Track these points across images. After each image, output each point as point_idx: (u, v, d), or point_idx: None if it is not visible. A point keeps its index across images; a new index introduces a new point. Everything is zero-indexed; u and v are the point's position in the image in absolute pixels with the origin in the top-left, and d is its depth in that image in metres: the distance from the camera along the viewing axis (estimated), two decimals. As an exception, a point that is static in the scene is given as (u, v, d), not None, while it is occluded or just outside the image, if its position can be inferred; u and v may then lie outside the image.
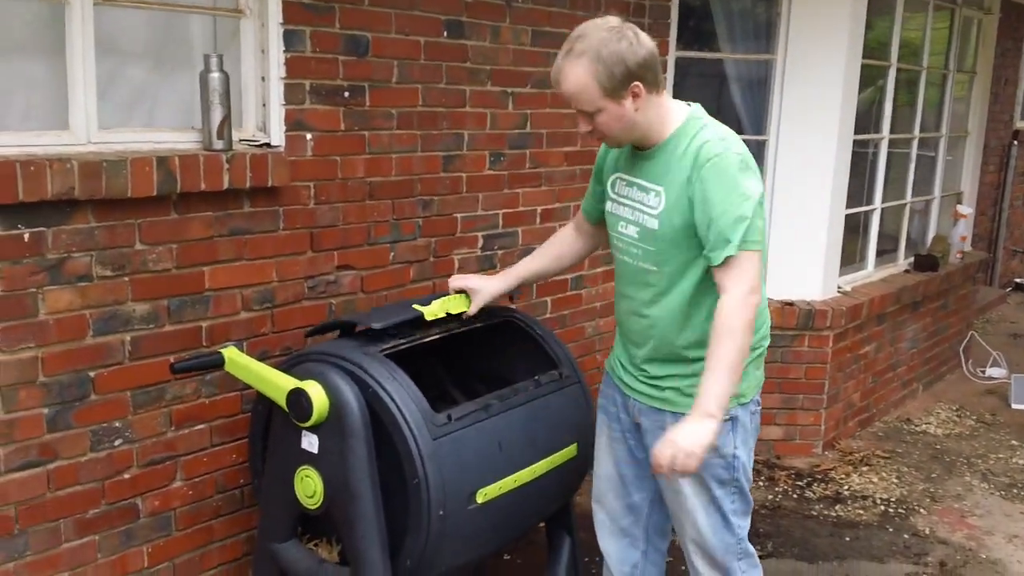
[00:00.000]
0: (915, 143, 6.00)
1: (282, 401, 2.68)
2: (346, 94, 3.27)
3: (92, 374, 2.75)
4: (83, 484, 2.77)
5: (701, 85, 5.03)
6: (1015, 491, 4.75)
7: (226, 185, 2.92)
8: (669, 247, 2.51)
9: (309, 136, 3.19)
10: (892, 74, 5.48)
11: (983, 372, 6.62)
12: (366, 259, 3.45)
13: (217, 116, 2.92)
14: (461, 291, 3.00)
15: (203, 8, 3.04)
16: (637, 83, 2.38)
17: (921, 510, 4.45)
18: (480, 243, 3.90)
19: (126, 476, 2.89)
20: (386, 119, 3.42)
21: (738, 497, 2.66)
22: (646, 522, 2.85)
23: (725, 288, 2.40)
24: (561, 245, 3.04)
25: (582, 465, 3.15)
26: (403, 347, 2.86)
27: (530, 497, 2.92)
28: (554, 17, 4.01)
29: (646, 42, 2.41)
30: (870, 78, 5.25)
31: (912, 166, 6.01)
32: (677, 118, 2.53)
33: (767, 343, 2.69)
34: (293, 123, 3.14)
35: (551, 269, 3.09)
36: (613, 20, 2.42)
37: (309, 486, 2.70)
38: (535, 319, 3.32)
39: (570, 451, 3.06)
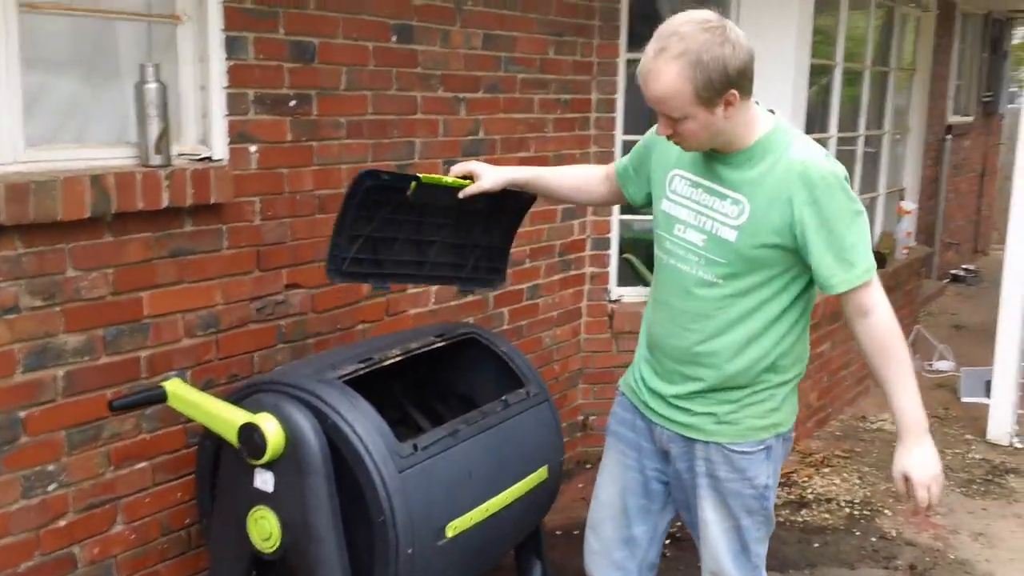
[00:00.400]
0: (860, 141, 5.98)
1: (232, 437, 2.49)
2: (292, 103, 3.08)
3: (22, 414, 2.52)
4: (15, 535, 2.54)
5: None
6: (975, 487, 4.74)
7: (165, 203, 2.71)
8: (742, 262, 2.30)
9: (254, 148, 2.99)
10: (839, 73, 5.44)
11: (930, 365, 6.63)
12: (317, 277, 3.26)
13: (154, 130, 2.71)
14: (466, 177, 2.72)
15: (137, 14, 2.83)
16: (734, 91, 2.16)
17: (886, 511, 4.40)
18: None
19: (62, 523, 2.65)
20: (335, 128, 3.24)
21: (763, 525, 2.51)
22: (642, 557, 2.66)
23: (870, 308, 2.27)
24: (586, 180, 2.82)
25: (553, 488, 3.02)
26: (362, 372, 2.68)
27: (501, 525, 2.77)
28: (506, 20, 3.86)
29: (746, 44, 2.17)
30: (814, 77, 5.19)
31: (858, 164, 5.99)
32: (763, 124, 2.31)
33: (803, 373, 2.53)
34: (236, 135, 2.94)
35: (563, 192, 2.86)
36: (711, 16, 2.17)
37: (264, 528, 2.52)
38: (499, 335, 3.18)
39: (541, 474, 2.92)
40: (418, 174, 2.64)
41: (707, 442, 2.42)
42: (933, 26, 6.88)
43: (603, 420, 4.66)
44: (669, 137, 2.29)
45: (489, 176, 2.69)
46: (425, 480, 2.50)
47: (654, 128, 2.52)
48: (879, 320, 2.27)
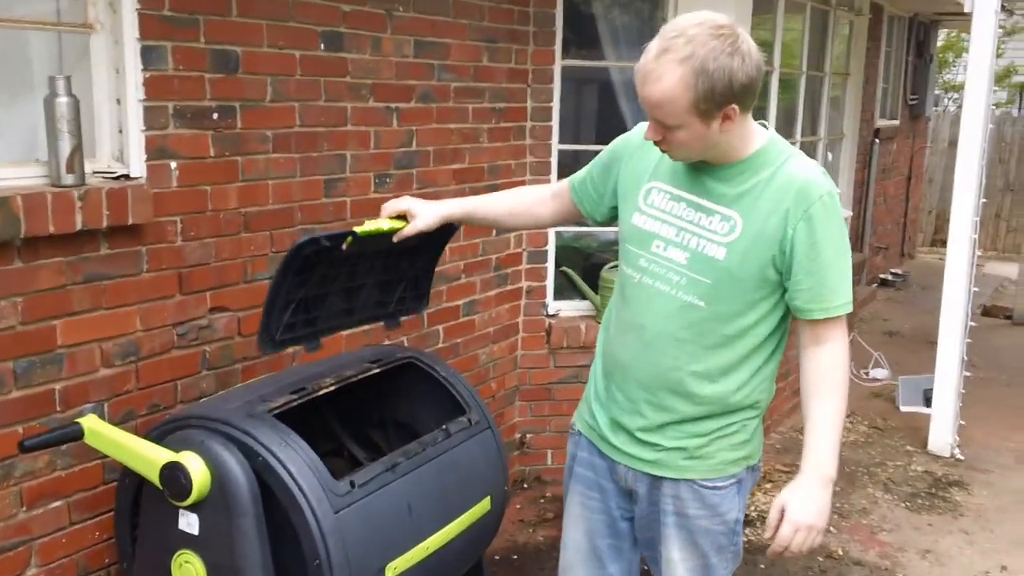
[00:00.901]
0: (796, 147, 5.94)
1: (155, 477, 2.32)
2: (215, 116, 2.91)
3: (-77, 456, 2.33)
4: (-84, 588, 2.35)
5: (588, 93, 4.83)
6: (919, 501, 4.72)
7: (79, 226, 2.52)
8: (728, 283, 2.15)
9: (174, 164, 2.81)
10: (775, 78, 5.40)
11: (867, 374, 6.65)
12: (243, 298, 3.09)
13: (66, 147, 2.52)
14: (399, 217, 2.53)
15: (45, 23, 2.63)
16: (735, 106, 2.02)
17: (830, 528, 4.35)
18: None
19: (-30, 569, 2.47)
20: (261, 142, 3.07)
21: (731, 561, 2.38)
22: None
23: (825, 339, 2.15)
24: (526, 203, 2.63)
25: (496, 518, 2.90)
26: (294, 404, 2.53)
27: (443, 562, 2.64)
28: (438, 26, 3.73)
29: (756, 57, 2.02)
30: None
31: (795, 171, 5.95)
32: (758, 137, 2.17)
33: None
34: (155, 150, 2.76)
35: (505, 220, 2.69)
36: (723, 21, 2.01)
37: (190, 573, 2.35)
38: (438, 359, 3.04)
39: (483, 506, 2.79)
40: (354, 228, 2.45)
41: (676, 479, 2.29)
42: (866, 30, 6.90)
43: (540, 439, 4.63)
44: (657, 143, 2.14)
45: (424, 215, 2.50)
46: (363, 519, 2.36)
47: (621, 138, 2.42)
48: (833, 352, 2.16)
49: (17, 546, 2.56)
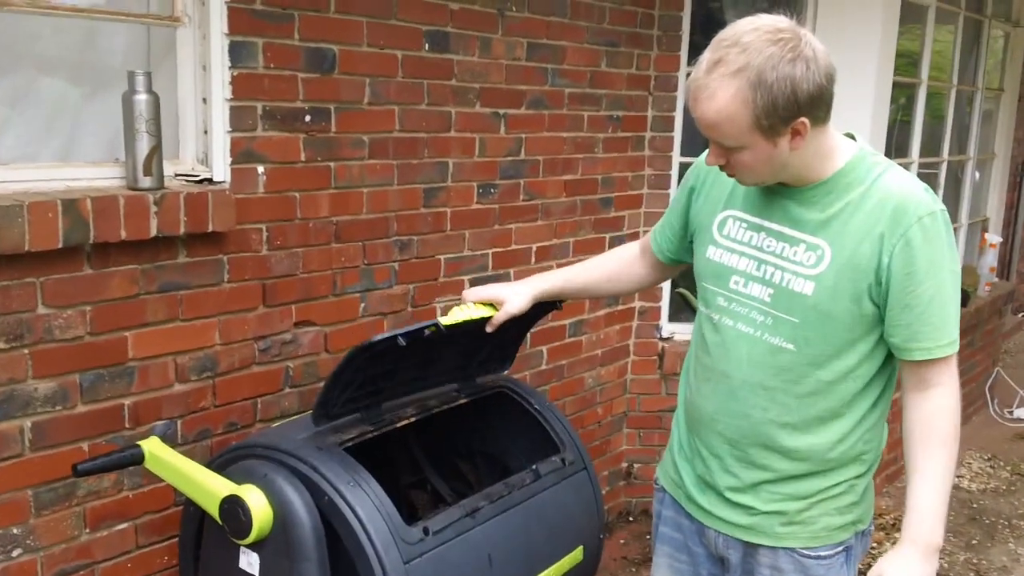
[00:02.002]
0: (944, 167, 5.49)
1: (214, 511, 2.13)
2: (307, 118, 2.72)
3: (-19, 472, 2.19)
4: (-32, 610, 2.22)
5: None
6: (1065, 563, 4.24)
7: (154, 232, 2.36)
8: (819, 322, 1.87)
9: (261, 169, 2.64)
10: (923, 93, 4.97)
11: (1011, 413, 6.12)
12: (331, 313, 2.90)
13: (144, 147, 2.36)
14: (486, 303, 2.32)
15: (131, 16, 2.48)
16: (804, 120, 1.75)
17: (965, 590, 3.94)
18: (467, 288, 3.34)
19: (29, 592, 2.33)
20: (356, 147, 2.87)
21: None
22: None
23: (935, 383, 1.87)
24: (620, 263, 2.38)
25: (589, 570, 2.62)
26: (369, 436, 2.31)
27: (526, 619, 2.38)
28: (552, 28, 3.47)
29: (824, 62, 1.74)
30: (893, 97, 4.74)
31: (940, 192, 5.50)
32: (843, 152, 1.89)
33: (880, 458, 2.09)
34: (241, 154, 2.59)
35: (600, 288, 2.47)
36: (783, 24, 1.74)
37: (249, 617, 2.15)
38: (533, 389, 2.79)
39: (575, 556, 2.52)
40: (439, 319, 2.20)
41: (774, 547, 1.99)
42: (1023, 43, 6.36)
43: (649, 469, 4.33)
44: (722, 168, 1.88)
45: (515, 300, 2.27)
46: (436, 571, 2.12)
47: (693, 166, 2.15)
48: (942, 397, 1.87)
49: (79, 569, 2.42)
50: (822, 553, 1.98)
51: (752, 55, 1.70)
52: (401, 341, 2.12)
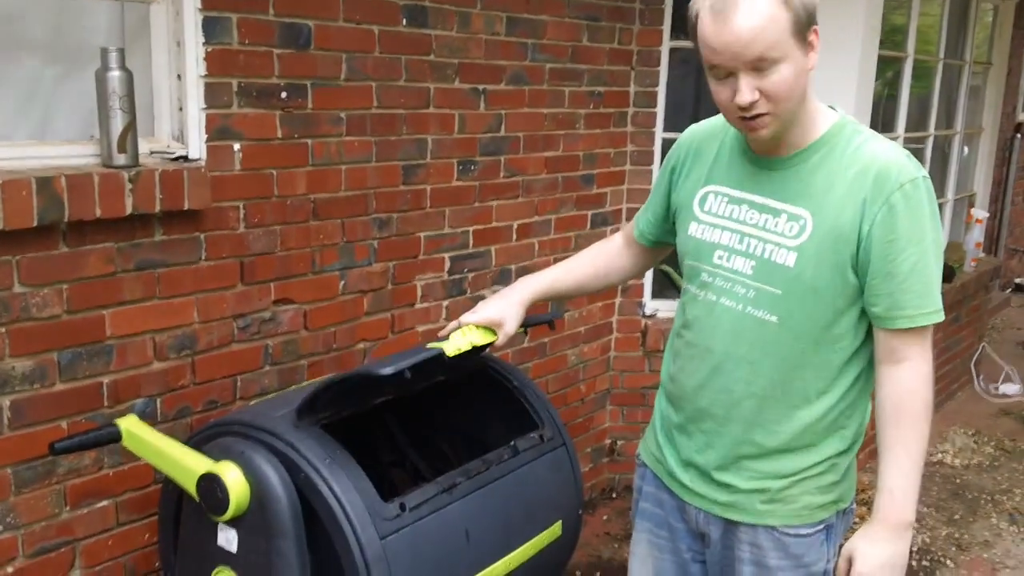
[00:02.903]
0: (930, 141, 5.49)
1: (192, 488, 2.13)
2: (283, 95, 2.71)
3: (-42, 450, 2.19)
4: (-53, 589, 2.22)
5: (698, 78, 4.49)
6: (1051, 538, 4.27)
7: (129, 210, 2.35)
8: (804, 292, 1.85)
9: (237, 146, 2.63)
10: (908, 66, 4.95)
11: (996, 388, 6.14)
12: (310, 291, 2.90)
13: (118, 125, 2.35)
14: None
15: (103, -10, 2.47)
16: (816, 28, 1.76)
17: (948, 562, 3.96)
18: (447, 266, 3.34)
19: (10, 570, 2.33)
20: (333, 124, 2.86)
21: None
22: None
23: (906, 357, 1.84)
24: (607, 258, 2.34)
25: (568, 544, 2.63)
26: (347, 414, 2.31)
27: (505, 593, 2.39)
28: (532, 2, 3.45)
29: None
30: (879, 71, 4.72)
31: (926, 167, 5.50)
32: (824, 119, 1.88)
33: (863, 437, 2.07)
34: (216, 131, 2.57)
35: (590, 286, 2.37)
36: None
37: (227, 592, 2.16)
38: (512, 367, 2.79)
39: (553, 531, 2.53)
40: (443, 348, 2.10)
41: (755, 525, 1.99)
42: (1012, 17, 6.33)
43: (632, 445, 4.33)
44: (750, 107, 1.76)
45: (510, 318, 2.17)
46: (412, 546, 2.13)
47: (673, 147, 2.13)
48: (914, 372, 1.85)
49: (59, 547, 2.42)
50: (802, 531, 1.98)
51: None
52: (407, 375, 2.05)
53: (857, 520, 4.16)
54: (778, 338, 1.89)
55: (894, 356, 1.85)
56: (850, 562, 1.86)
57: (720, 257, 1.95)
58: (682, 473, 2.07)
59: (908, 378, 1.85)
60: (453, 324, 2.19)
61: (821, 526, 1.99)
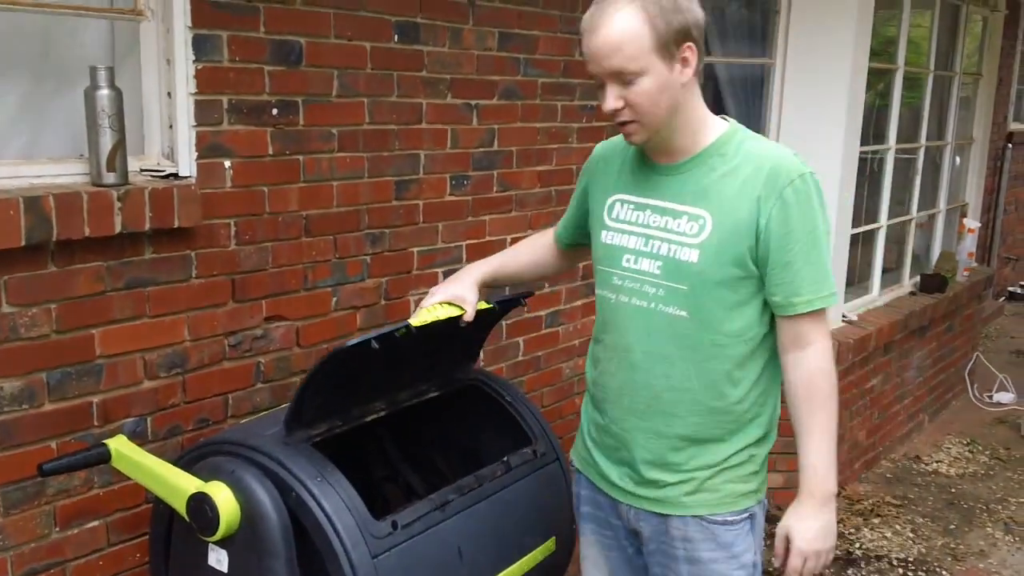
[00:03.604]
0: (921, 152, 5.49)
1: (182, 508, 2.12)
2: (274, 111, 2.70)
3: (-55, 472, 2.18)
4: (-65, 612, 2.20)
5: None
6: (1047, 547, 4.26)
7: (118, 228, 2.34)
8: (709, 286, 1.96)
9: (228, 163, 2.62)
10: (899, 78, 4.97)
11: (990, 397, 6.14)
12: (302, 307, 2.89)
13: (107, 143, 2.34)
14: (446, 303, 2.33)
15: (94, 10, 2.46)
16: (691, 44, 1.88)
17: (943, 572, 3.96)
18: (441, 280, 3.32)
19: (-2, 591, 2.32)
20: (325, 140, 2.85)
21: None
22: None
23: (809, 341, 1.97)
24: (542, 250, 2.50)
25: (562, 560, 2.62)
26: (339, 431, 2.30)
27: (498, 611, 2.37)
28: (525, 18, 3.45)
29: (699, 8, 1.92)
30: (870, 83, 4.74)
31: (918, 178, 5.50)
32: (717, 126, 2.02)
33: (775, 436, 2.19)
34: (207, 148, 2.57)
35: (528, 274, 2.53)
36: None
37: (219, 614, 2.15)
38: (506, 381, 2.78)
39: (547, 547, 2.52)
40: (409, 321, 2.20)
41: (684, 516, 2.06)
42: (1001, 28, 6.36)
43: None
44: (616, 115, 1.93)
45: (471, 294, 2.32)
46: (404, 565, 2.12)
47: (588, 160, 2.26)
48: (816, 356, 1.97)
49: (49, 568, 2.41)
50: (729, 518, 2.07)
51: None
52: (375, 344, 2.11)
53: (852, 530, 4.15)
54: (689, 332, 2.00)
55: (799, 342, 1.97)
56: (787, 540, 1.99)
57: (628, 260, 2.06)
58: (612, 473, 2.15)
59: (815, 360, 1.97)
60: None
61: (746, 514, 2.09)
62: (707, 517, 2.06)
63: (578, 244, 2.38)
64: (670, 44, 1.85)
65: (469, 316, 2.29)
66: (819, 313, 1.96)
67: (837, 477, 1.99)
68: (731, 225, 1.93)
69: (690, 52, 1.88)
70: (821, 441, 1.96)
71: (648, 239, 2.02)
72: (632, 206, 2.07)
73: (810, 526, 1.96)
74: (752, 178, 1.93)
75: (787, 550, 2.00)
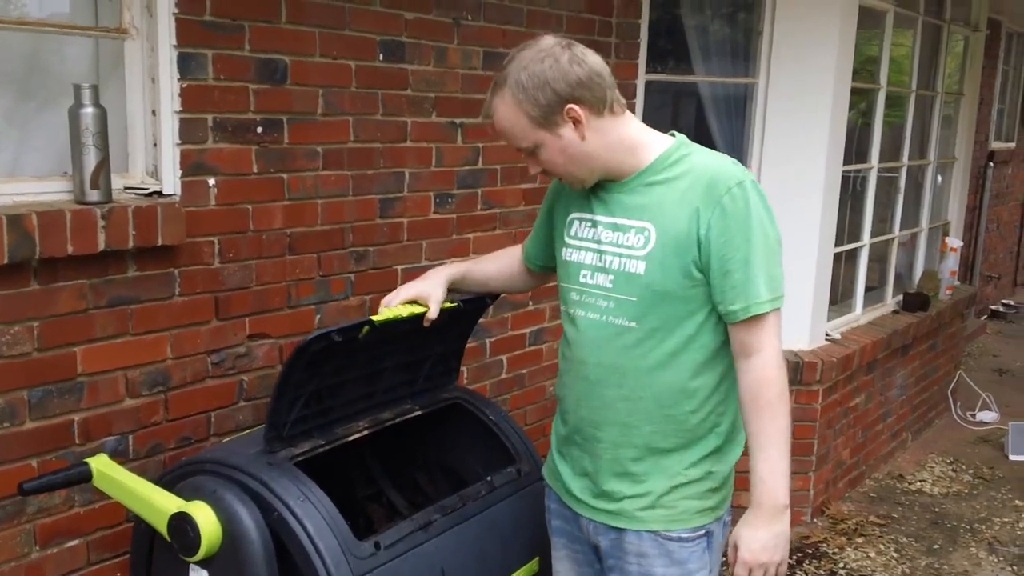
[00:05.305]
0: (904, 171, 5.53)
1: (163, 528, 2.11)
2: (259, 130, 2.71)
3: (-74, 491, 2.16)
4: (-90, 633, 2.18)
5: (674, 109, 4.53)
6: (1029, 566, 4.27)
7: (102, 246, 2.34)
8: (656, 297, 2.01)
9: (212, 181, 2.62)
10: (882, 97, 5.00)
11: (973, 416, 6.16)
12: (285, 325, 2.88)
13: (91, 161, 2.34)
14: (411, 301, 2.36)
15: (78, 28, 2.46)
16: (572, 106, 1.95)
17: (926, 594, 3.96)
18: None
19: (-24, 611, 2.30)
20: (309, 158, 2.86)
21: None
22: None
23: (755, 349, 1.98)
24: (511, 267, 2.53)
25: (545, 581, 2.61)
26: (321, 450, 2.29)
27: (481, 632, 2.37)
28: (508, 36, 3.47)
29: (586, 59, 1.97)
30: (853, 102, 4.77)
31: (900, 197, 5.54)
32: (657, 143, 2.08)
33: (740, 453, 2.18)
34: (191, 166, 2.56)
35: (497, 284, 2.56)
36: (547, 40, 2.00)
37: (200, 634, 2.13)
38: (488, 400, 2.78)
39: (531, 567, 2.52)
40: (371, 317, 2.24)
41: (639, 531, 2.08)
42: (983, 47, 6.42)
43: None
44: (544, 174, 2.10)
45: (436, 292, 2.36)
46: (387, 585, 2.11)
47: (552, 184, 2.31)
48: (764, 363, 1.97)
49: (29, 587, 2.39)
50: (684, 535, 2.08)
51: (508, 69, 1.97)
52: (336, 337, 2.14)
53: (837, 550, 4.15)
54: (639, 342, 2.04)
55: (746, 350, 1.99)
56: (736, 548, 1.99)
57: (584, 276, 2.12)
58: (574, 485, 2.18)
59: (760, 368, 1.97)
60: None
61: (702, 531, 2.10)
62: (662, 533, 2.07)
63: (547, 267, 2.40)
64: (549, 116, 1.95)
65: (432, 314, 2.31)
66: (761, 319, 1.96)
67: (788, 488, 1.99)
68: (673, 235, 1.98)
69: (575, 113, 1.95)
70: (769, 451, 1.97)
71: (601, 254, 2.08)
72: (588, 223, 2.13)
73: (757, 536, 1.97)
74: (691, 189, 1.98)
75: (733, 562, 2.01)
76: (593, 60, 1.99)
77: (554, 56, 1.94)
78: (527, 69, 1.94)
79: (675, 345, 2.03)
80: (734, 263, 1.94)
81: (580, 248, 2.14)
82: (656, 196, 2.02)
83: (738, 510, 2.07)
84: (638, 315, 2.03)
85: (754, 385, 1.98)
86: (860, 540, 4.36)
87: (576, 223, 2.16)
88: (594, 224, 2.11)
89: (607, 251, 2.07)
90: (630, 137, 2.05)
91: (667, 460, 2.07)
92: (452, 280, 2.42)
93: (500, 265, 2.53)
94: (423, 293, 2.34)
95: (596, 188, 2.11)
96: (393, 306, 2.31)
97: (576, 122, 1.96)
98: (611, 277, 2.06)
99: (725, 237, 1.94)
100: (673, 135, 2.11)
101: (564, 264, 2.18)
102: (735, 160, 2.05)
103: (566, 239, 2.18)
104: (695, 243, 1.96)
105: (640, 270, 2.01)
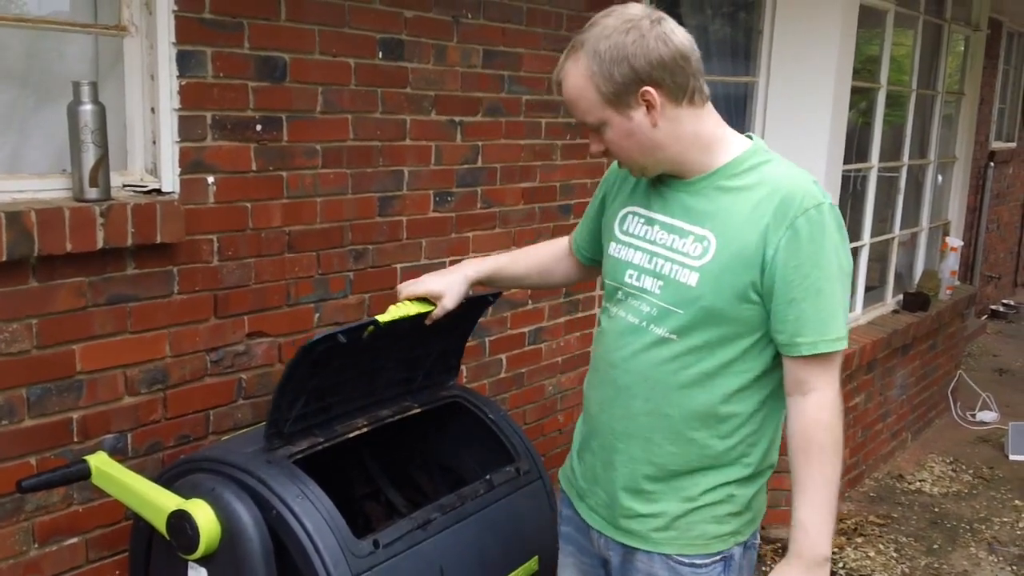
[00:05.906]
0: (904, 171, 5.53)
1: (161, 525, 2.10)
2: (258, 127, 2.70)
3: (-76, 489, 2.16)
4: (-91, 631, 2.18)
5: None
6: (1029, 566, 4.27)
7: (100, 244, 2.33)
8: (705, 313, 1.85)
9: (211, 179, 2.61)
10: (882, 96, 5.00)
11: (973, 416, 6.16)
12: (284, 323, 2.88)
13: (89, 158, 2.33)
14: (421, 299, 2.28)
15: (77, 26, 2.46)
16: (648, 88, 1.78)
17: (926, 593, 3.96)
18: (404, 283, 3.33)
19: (-26, 609, 2.30)
20: (308, 156, 2.85)
21: None
22: None
23: (813, 388, 1.82)
24: (552, 258, 2.39)
25: (544, 580, 2.61)
26: (320, 447, 2.29)
27: (480, 630, 2.36)
28: (508, 35, 3.47)
29: (673, 38, 1.80)
30: (853, 101, 4.76)
31: (901, 196, 5.54)
32: (733, 145, 1.91)
33: (775, 465, 2.05)
34: (190, 164, 2.56)
35: (531, 280, 2.46)
36: (634, 9, 1.82)
37: (198, 632, 2.13)
38: (487, 399, 2.78)
39: (530, 566, 2.51)
40: (376, 317, 2.20)
41: (651, 552, 1.97)
42: (983, 47, 6.41)
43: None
44: (604, 155, 1.92)
45: (451, 292, 2.25)
46: (386, 584, 2.10)
47: (607, 173, 2.19)
48: (821, 404, 1.82)
49: (27, 585, 2.39)
50: (697, 561, 1.96)
51: (588, 33, 1.82)
52: (342, 339, 2.12)
53: (836, 550, 4.16)
54: (676, 356, 1.89)
55: (801, 387, 1.84)
56: None
57: (631, 276, 1.97)
58: (588, 494, 2.08)
59: (815, 410, 1.82)
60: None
61: (718, 556, 1.97)
62: (674, 557, 1.96)
63: (596, 260, 2.26)
64: (621, 95, 1.80)
65: (435, 316, 2.25)
66: (825, 358, 1.81)
67: (831, 540, 1.83)
68: (735, 251, 1.82)
69: (651, 96, 1.80)
70: (815, 499, 1.81)
71: (652, 256, 1.93)
72: (642, 220, 1.98)
73: None
74: (763, 203, 1.82)
75: None
76: (681, 40, 1.82)
77: (640, 30, 1.78)
78: (609, 39, 1.78)
79: (713, 366, 1.88)
80: (802, 291, 1.79)
81: (630, 246, 1.99)
82: (724, 204, 1.86)
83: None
84: (681, 329, 1.88)
85: (808, 428, 1.82)
86: (860, 540, 4.36)
87: (630, 218, 2.01)
88: (650, 222, 1.96)
89: (660, 253, 1.92)
90: (706, 133, 1.89)
91: (684, 482, 1.95)
92: (480, 278, 2.30)
93: (539, 260, 2.40)
94: (435, 292, 2.25)
95: (657, 182, 1.96)
96: (405, 297, 2.26)
97: (650, 106, 1.80)
98: (660, 283, 1.90)
99: (796, 262, 1.78)
100: (751, 137, 1.95)
101: (610, 260, 2.04)
102: (815, 179, 1.88)
103: (617, 233, 2.03)
104: (759, 264, 1.81)
105: (692, 282, 1.85)
